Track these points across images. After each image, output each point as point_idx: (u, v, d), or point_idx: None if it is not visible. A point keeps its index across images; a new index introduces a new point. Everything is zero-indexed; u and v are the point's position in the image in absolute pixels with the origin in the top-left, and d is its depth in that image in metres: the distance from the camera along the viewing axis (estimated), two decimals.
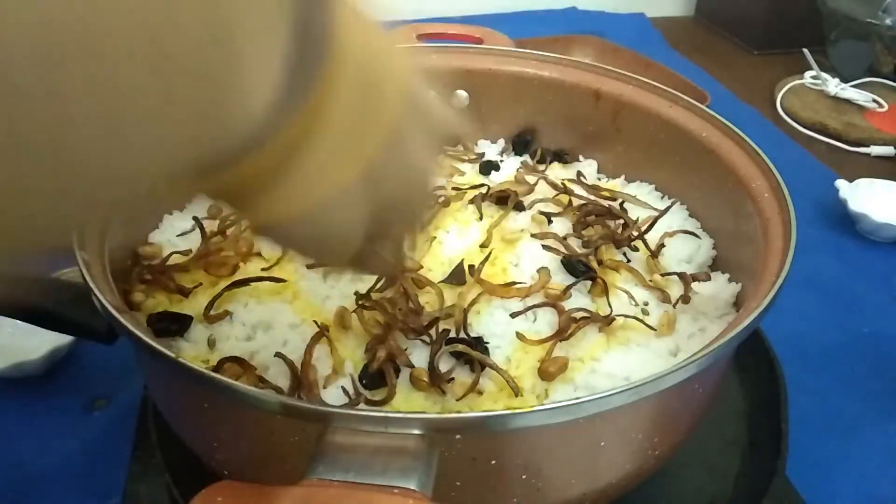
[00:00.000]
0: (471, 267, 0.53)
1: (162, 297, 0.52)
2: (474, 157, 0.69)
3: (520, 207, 0.61)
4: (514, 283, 0.52)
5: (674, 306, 0.53)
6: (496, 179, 0.66)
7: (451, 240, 0.57)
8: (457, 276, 0.52)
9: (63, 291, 0.47)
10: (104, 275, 0.45)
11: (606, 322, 0.50)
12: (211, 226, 0.58)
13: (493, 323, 0.50)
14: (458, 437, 0.35)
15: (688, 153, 0.60)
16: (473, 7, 1.45)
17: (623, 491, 0.44)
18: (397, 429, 0.33)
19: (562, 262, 0.54)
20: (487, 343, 0.48)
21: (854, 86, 1.12)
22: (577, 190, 0.63)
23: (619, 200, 0.62)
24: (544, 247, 0.56)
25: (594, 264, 0.54)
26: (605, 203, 0.61)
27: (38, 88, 0.16)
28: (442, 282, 0.52)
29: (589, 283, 0.53)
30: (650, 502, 0.51)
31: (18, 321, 0.48)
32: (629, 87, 0.65)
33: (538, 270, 0.53)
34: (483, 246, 0.56)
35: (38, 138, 0.17)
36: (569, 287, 0.52)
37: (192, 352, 0.49)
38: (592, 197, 0.62)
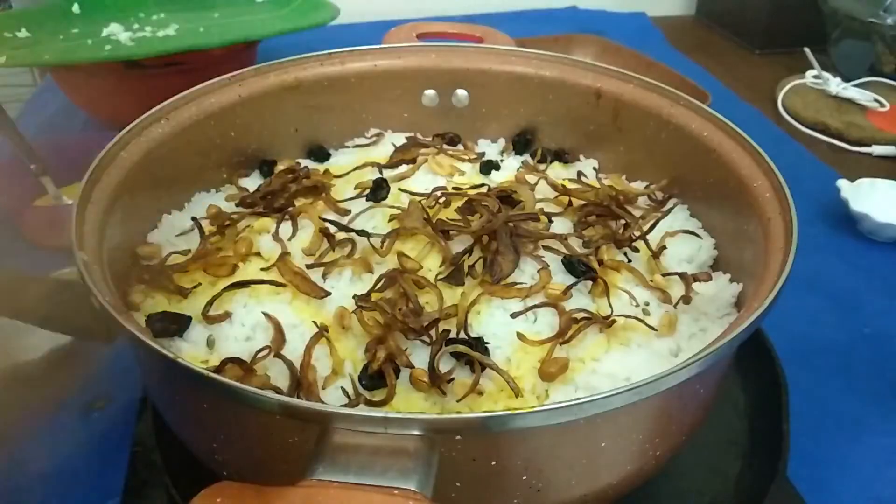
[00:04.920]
0: (471, 267, 0.53)
1: (161, 298, 0.52)
2: (475, 156, 0.69)
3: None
4: (515, 283, 0.52)
5: (675, 306, 0.53)
6: (496, 179, 0.66)
7: None
8: (457, 276, 0.52)
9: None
10: (103, 275, 0.44)
11: (607, 322, 0.49)
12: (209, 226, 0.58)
13: (493, 323, 0.50)
14: (458, 437, 0.35)
15: (689, 153, 0.60)
16: (474, 6, 1.45)
17: (623, 492, 0.44)
18: (397, 429, 0.33)
19: (562, 262, 0.54)
20: (488, 343, 0.48)
21: (856, 85, 1.11)
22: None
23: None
24: (545, 247, 0.56)
25: (595, 264, 0.54)
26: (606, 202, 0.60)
27: None
28: (442, 281, 0.52)
29: (590, 283, 0.53)
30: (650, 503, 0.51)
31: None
32: (630, 87, 0.65)
33: (539, 270, 0.53)
34: None
35: None
36: (569, 287, 0.51)
37: (192, 352, 0.49)
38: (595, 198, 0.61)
